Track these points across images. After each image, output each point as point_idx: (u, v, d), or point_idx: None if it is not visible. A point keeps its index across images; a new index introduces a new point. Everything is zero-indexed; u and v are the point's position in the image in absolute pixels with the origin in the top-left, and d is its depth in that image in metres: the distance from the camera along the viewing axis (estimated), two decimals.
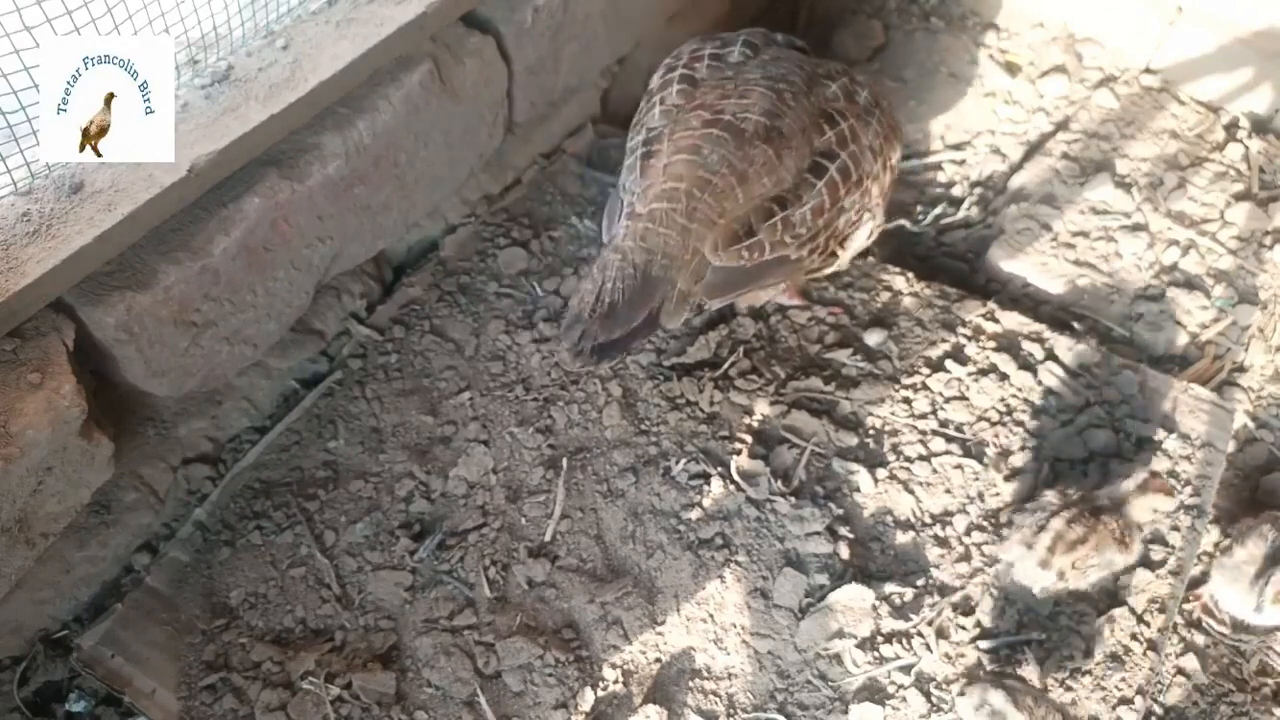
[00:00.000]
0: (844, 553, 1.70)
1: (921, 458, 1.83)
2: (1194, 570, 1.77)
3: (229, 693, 1.56)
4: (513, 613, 1.65)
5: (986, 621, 1.65)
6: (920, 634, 1.63)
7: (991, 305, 2.04)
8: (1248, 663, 1.75)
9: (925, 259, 2.28)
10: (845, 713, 1.56)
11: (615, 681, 1.59)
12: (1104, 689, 1.59)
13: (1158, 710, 1.69)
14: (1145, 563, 1.70)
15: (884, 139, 1.73)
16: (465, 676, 1.59)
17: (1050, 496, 1.67)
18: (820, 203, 1.59)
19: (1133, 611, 1.65)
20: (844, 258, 1.81)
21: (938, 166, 2.44)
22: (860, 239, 1.80)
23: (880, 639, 1.63)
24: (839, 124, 1.64)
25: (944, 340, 1.99)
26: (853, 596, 1.65)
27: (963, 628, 1.64)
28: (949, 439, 1.85)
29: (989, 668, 1.60)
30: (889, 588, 1.67)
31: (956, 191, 2.40)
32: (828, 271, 1.85)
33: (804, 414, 1.86)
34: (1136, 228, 2.22)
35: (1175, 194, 2.28)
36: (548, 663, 1.59)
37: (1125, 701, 1.58)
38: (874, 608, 1.65)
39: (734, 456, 1.81)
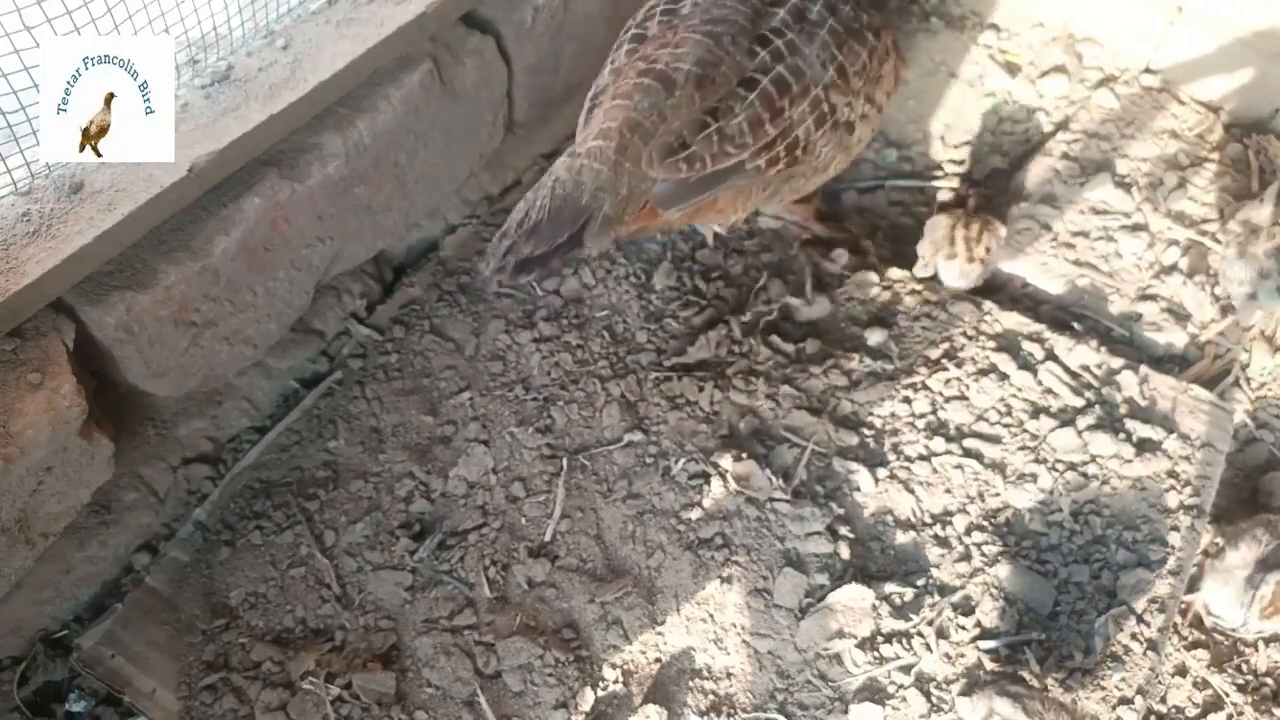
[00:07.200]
0: (844, 553, 1.70)
1: (921, 457, 1.83)
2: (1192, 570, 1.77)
3: (229, 693, 1.56)
4: (513, 613, 1.65)
5: (986, 621, 1.65)
6: (920, 634, 1.63)
7: (991, 305, 2.04)
8: (1247, 662, 1.75)
9: None
10: (845, 713, 1.56)
11: (615, 681, 1.59)
12: (1104, 689, 1.59)
13: (1158, 710, 1.69)
14: (1145, 563, 1.70)
15: (844, 48, 1.70)
16: (465, 676, 1.59)
17: None
18: (755, 114, 1.59)
19: (1133, 611, 1.65)
20: (827, 166, 1.82)
21: (938, 166, 2.44)
22: (830, 158, 1.79)
23: (880, 639, 1.63)
24: (772, 42, 1.63)
25: (944, 340, 1.99)
26: (853, 596, 1.65)
27: (963, 628, 1.64)
28: (949, 438, 1.85)
29: (989, 668, 1.60)
30: (889, 588, 1.67)
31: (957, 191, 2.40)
32: (818, 182, 1.87)
33: (804, 414, 1.87)
34: (1136, 228, 2.22)
35: (1175, 194, 2.27)
36: (548, 663, 1.59)
37: (1125, 701, 1.58)
38: (874, 608, 1.65)
39: (734, 457, 1.81)
